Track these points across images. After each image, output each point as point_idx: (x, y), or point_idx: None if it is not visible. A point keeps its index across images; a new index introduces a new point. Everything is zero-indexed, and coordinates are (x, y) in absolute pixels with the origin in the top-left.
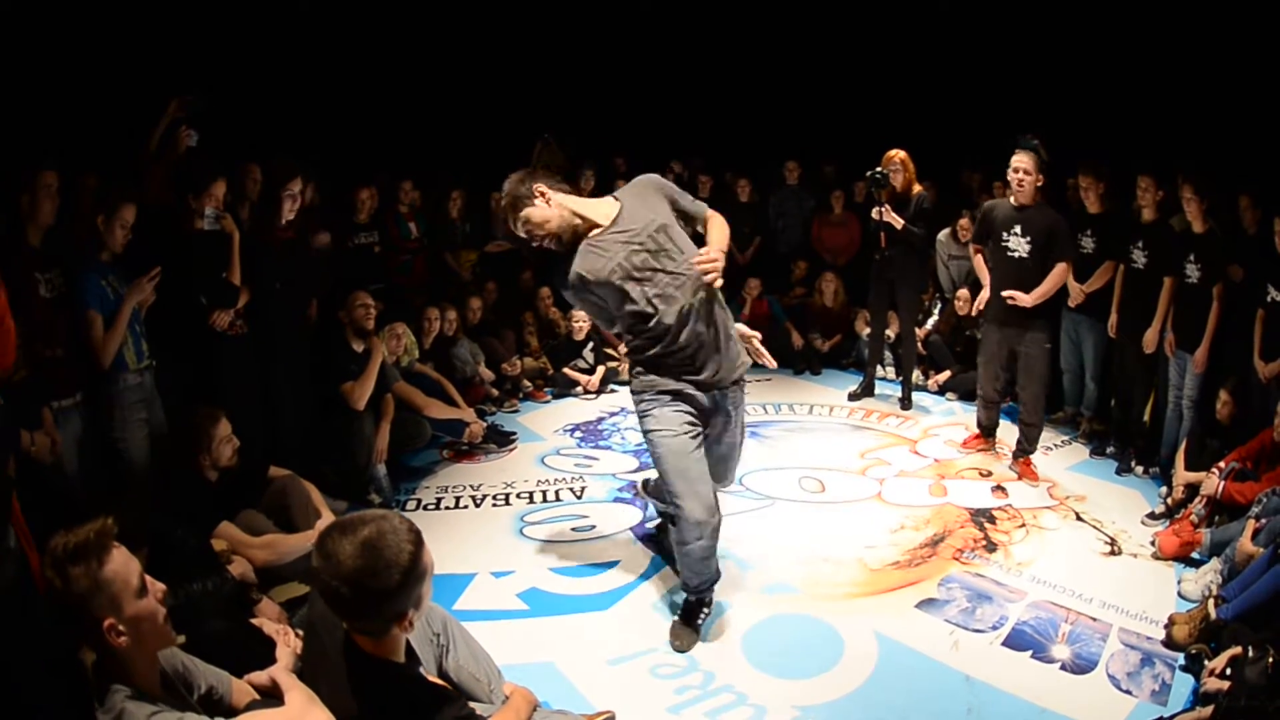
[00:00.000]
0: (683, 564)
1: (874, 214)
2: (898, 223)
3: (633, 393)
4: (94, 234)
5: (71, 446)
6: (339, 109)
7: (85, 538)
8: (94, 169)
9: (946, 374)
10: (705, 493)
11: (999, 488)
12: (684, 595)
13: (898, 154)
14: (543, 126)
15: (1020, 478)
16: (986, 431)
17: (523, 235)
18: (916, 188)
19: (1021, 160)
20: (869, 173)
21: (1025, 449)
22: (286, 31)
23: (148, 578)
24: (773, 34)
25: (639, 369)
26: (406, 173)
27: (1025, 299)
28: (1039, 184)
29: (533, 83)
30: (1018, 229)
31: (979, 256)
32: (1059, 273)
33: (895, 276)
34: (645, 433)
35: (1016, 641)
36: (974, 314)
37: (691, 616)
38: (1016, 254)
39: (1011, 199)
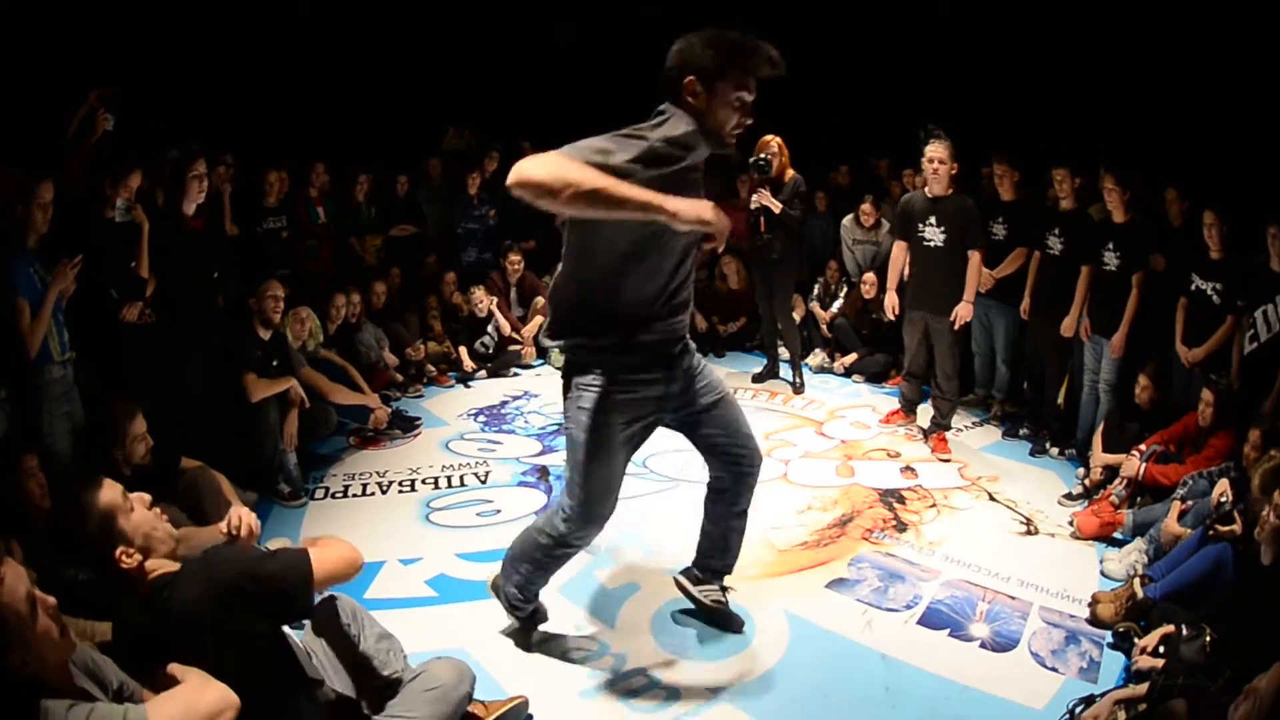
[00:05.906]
0: (550, 566)
1: (751, 200)
2: (776, 207)
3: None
4: (18, 223)
5: None
6: (250, 93)
7: None
8: (17, 161)
9: (853, 357)
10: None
11: (908, 468)
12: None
13: (773, 139)
14: (448, 112)
15: (934, 451)
16: (908, 406)
17: None
18: (790, 172)
19: (935, 150)
20: (751, 159)
21: (939, 424)
22: (199, 17)
23: (37, 593)
24: (681, 18)
25: None
26: (317, 156)
27: (966, 303)
28: (953, 172)
29: (438, 68)
30: (933, 219)
31: (898, 249)
32: (974, 265)
33: (775, 259)
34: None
35: (932, 620)
36: (892, 312)
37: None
38: (932, 244)
39: (926, 190)
